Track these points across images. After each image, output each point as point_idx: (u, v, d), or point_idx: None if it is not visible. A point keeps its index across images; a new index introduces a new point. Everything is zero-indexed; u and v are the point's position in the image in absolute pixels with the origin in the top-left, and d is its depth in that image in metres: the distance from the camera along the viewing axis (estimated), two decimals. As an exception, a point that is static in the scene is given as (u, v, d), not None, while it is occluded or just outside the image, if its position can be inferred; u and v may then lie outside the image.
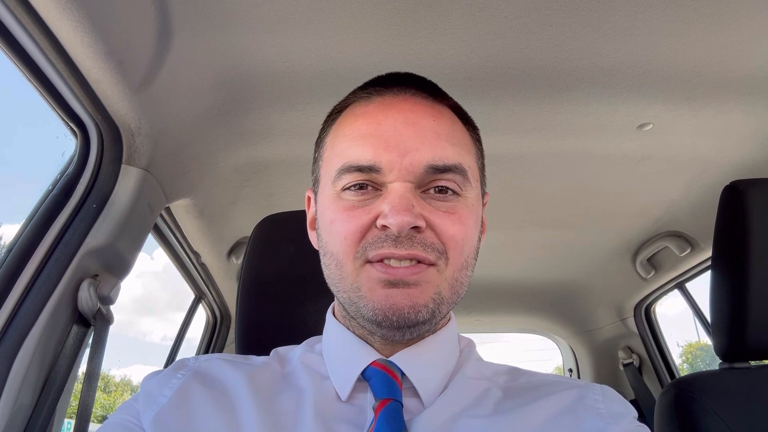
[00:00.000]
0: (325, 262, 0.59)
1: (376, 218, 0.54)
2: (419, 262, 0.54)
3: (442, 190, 0.56)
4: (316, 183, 0.65)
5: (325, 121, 0.67)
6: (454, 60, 1.05)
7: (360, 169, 0.55)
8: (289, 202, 1.42)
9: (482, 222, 0.64)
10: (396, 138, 0.56)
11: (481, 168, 0.65)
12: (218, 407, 0.57)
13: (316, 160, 0.66)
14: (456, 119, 0.63)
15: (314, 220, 0.65)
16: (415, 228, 0.53)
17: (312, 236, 0.67)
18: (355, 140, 0.57)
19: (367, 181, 0.56)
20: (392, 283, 0.53)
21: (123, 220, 1.02)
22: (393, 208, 0.52)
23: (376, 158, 0.55)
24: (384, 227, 0.53)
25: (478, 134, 0.66)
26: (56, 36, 0.77)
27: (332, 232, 0.57)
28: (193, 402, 0.57)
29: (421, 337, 0.60)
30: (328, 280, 0.59)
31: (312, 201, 0.67)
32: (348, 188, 0.56)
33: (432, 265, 0.54)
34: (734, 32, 0.98)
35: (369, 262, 0.54)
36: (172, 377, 0.60)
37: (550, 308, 2.69)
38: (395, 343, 0.59)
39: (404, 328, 0.54)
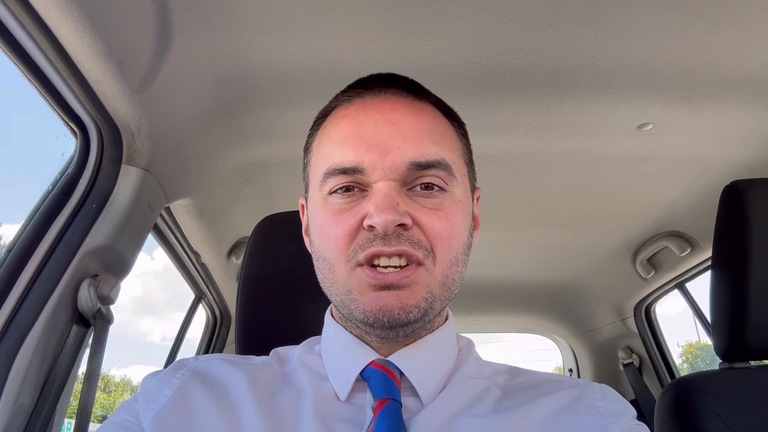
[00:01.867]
0: (318, 266, 0.60)
1: (363, 219, 0.54)
2: (408, 258, 0.54)
3: (428, 186, 0.56)
4: (306, 189, 0.66)
5: (312, 127, 0.67)
6: (454, 60, 1.05)
7: (344, 171, 0.56)
8: (289, 202, 1.41)
9: (475, 217, 0.64)
10: (377, 138, 0.56)
11: (468, 163, 0.65)
12: (218, 407, 0.57)
13: (305, 166, 0.66)
14: (438, 115, 0.63)
15: (308, 226, 0.65)
16: (402, 226, 0.53)
17: (307, 242, 0.68)
18: (338, 143, 0.58)
19: (352, 183, 0.56)
20: (383, 287, 0.53)
21: (123, 220, 1.02)
22: (378, 207, 0.53)
23: (358, 159, 0.55)
24: (371, 227, 0.54)
25: (463, 129, 0.66)
26: (56, 36, 0.77)
27: (322, 236, 0.57)
28: (192, 401, 0.57)
29: (418, 336, 0.60)
30: (321, 284, 0.60)
31: (305, 207, 0.67)
32: (334, 191, 0.57)
33: (420, 264, 0.54)
34: (734, 32, 0.98)
35: (360, 264, 0.55)
36: (172, 377, 0.60)
37: (550, 308, 2.69)
38: (392, 342, 0.59)
39: (397, 328, 0.54)
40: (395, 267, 0.54)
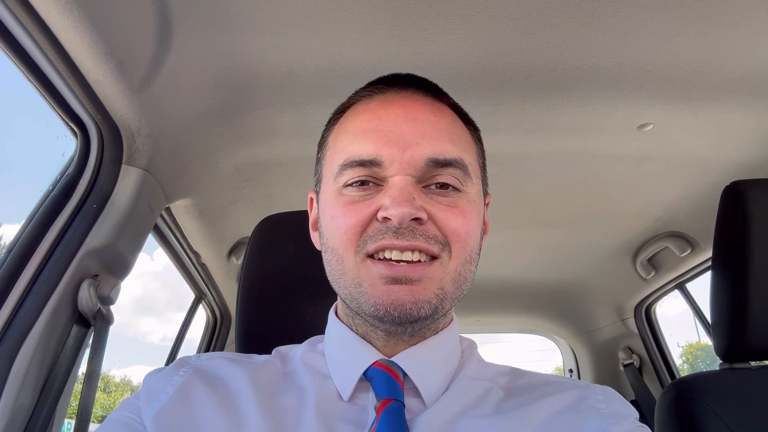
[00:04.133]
0: (326, 258, 0.59)
1: (376, 212, 0.54)
2: (421, 252, 0.54)
3: (443, 185, 0.57)
4: (318, 183, 0.65)
5: (328, 122, 0.67)
6: (454, 60, 1.05)
7: (362, 163, 0.56)
8: (289, 202, 1.42)
9: (485, 222, 0.64)
10: (397, 133, 0.56)
11: (482, 167, 0.65)
12: (220, 405, 0.57)
13: (318, 160, 0.66)
14: (456, 117, 0.63)
15: (316, 220, 0.65)
16: (417, 220, 0.53)
17: (314, 237, 0.67)
18: (357, 136, 0.58)
19: (368, 177, 0.56)
20: (395, 280, 0.53)
21: (123, 220, 1.02)
22: (394, 200, 0.53)
23: (377, 152, 0.55)
24: (385, 219, 0.54)
25: (478, 134, 0.67)
26: (56, 36, 0.77)
27: (332, 227, 0.57)
28: (194, 399, 0.57)
29: (423, 337, 0.60)
30: (329, 277, 0.60)
31: (314, 201, 0.67)
32: (350, 184, 0.57)
33: (435, 258, 0.54)
34: (734, 32, 0.98)
35: (370, 256, 0.54)
36: (174, 375, 0.60)
37: (550, 308, 2.69)
38: (397, 340, 0.59)
39: (406, 324, 0.54)
40: (407, 261, 0.53)
